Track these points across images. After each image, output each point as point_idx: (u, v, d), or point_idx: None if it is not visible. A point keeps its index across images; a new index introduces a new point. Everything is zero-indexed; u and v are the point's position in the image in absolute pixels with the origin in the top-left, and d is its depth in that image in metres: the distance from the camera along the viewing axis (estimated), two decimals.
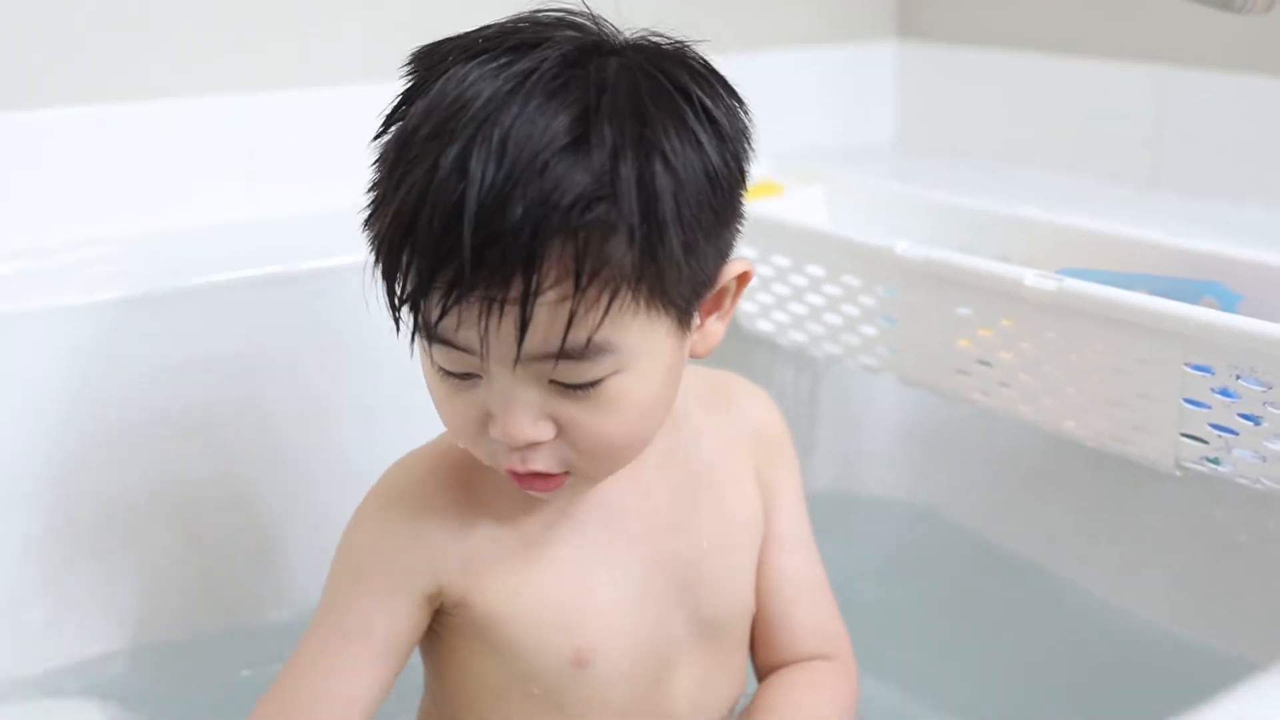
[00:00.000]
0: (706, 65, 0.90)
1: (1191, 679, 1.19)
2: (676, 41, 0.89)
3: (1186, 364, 1.17)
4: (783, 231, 1.48)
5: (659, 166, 0.82)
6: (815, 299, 1.47)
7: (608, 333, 0.84)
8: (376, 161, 0.88)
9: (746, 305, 1.55)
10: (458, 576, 0.95)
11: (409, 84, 0.88)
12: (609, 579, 0.98)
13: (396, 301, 0.84)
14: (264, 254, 1.43)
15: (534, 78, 0.81)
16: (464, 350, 0.84)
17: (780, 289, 1.51)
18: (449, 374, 0.87)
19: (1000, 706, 1.38)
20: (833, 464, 1.73)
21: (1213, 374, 1.16)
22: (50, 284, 1.33)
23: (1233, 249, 1.29)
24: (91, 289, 1.32)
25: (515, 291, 0.80)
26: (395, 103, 0.88)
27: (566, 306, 0.81)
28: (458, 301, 0.81)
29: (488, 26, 0.88)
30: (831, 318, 1.46)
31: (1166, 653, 1.39)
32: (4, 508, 1.27)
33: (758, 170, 1.67)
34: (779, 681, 1.07)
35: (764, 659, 1.10)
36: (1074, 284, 1.23)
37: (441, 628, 0.98)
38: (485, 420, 0.88)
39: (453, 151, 0.80)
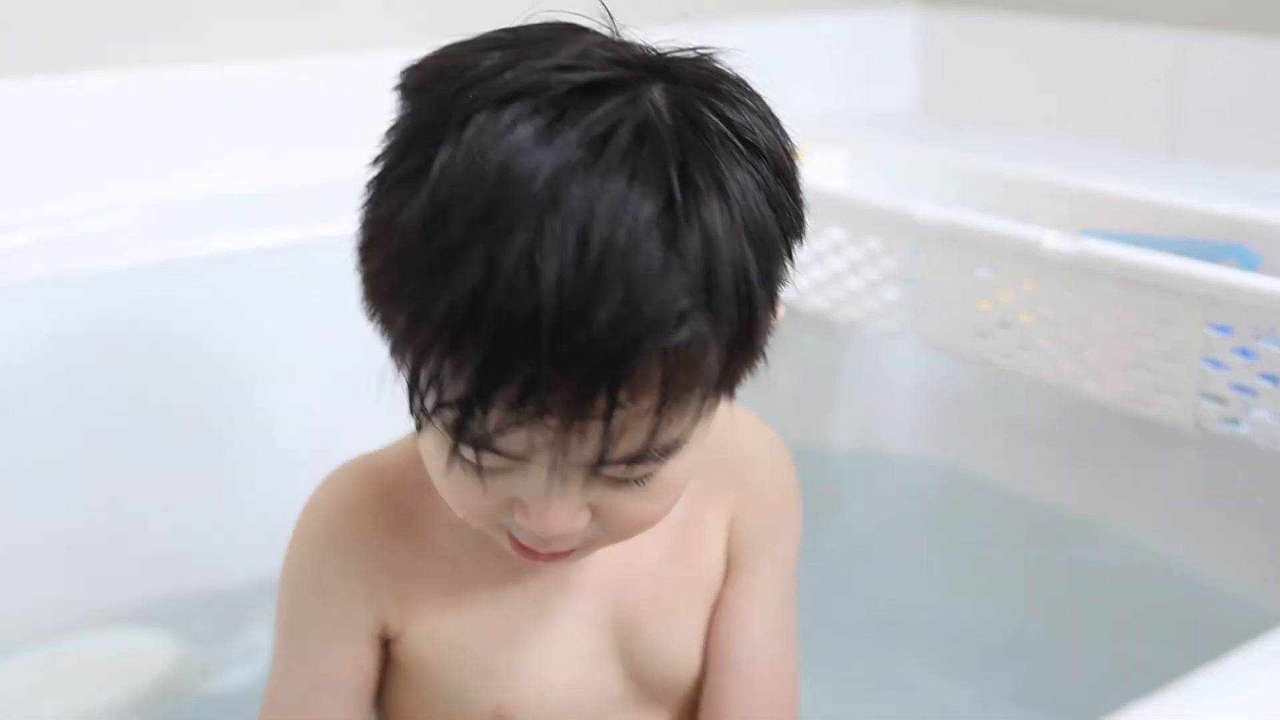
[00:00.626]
0: (758, 99, 0.79)
1: (1219, 628, 1.20)
2: (721, 67, 0.78)
3: (1208, 324, 1.17)
4: (804, 195, 1.48)
5: (753, 263, 0.71)
6: (836, 263, 1.47)
7: (678, 434, 0.74)
8: (374, 211, 0.75)
9: None
10: (395, 613, 0.90)
11: (408, 118, 0.74)
12: (540, 634, 0.90)
13: (430, 403, 0.71)
14: (282, 221, 1.44)
15: (604, 148, 0.67)
16: (513, 458, 0.73)
17: (800, 254, 1.51)
18: (474, 466, 0.75)
19: (1025, 657, 1.39)
20: (854, 428, 1.74)
21: (1233, 334, 1.16)
22: (71, 250, 1.34)
23: (1254, 211, 1.29)
24: (112, 255, 1.33)
25: (595, 409, 0.69)
26: (393, 140, 0.74)
27: (647, 420, 0.70)
28: (519, 422, 0.69)
29: (496, 40, 0.74)
30: (853, 281, 1.47)
31: (1191, 604, 1.40)
32: (36, 469, 1.29)
33: None
34: (727, 688, 0.96)
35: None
36: (1095, 245, 1.24)
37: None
38: (509, 506, 0.78)
39: (517, 245, 0.65)
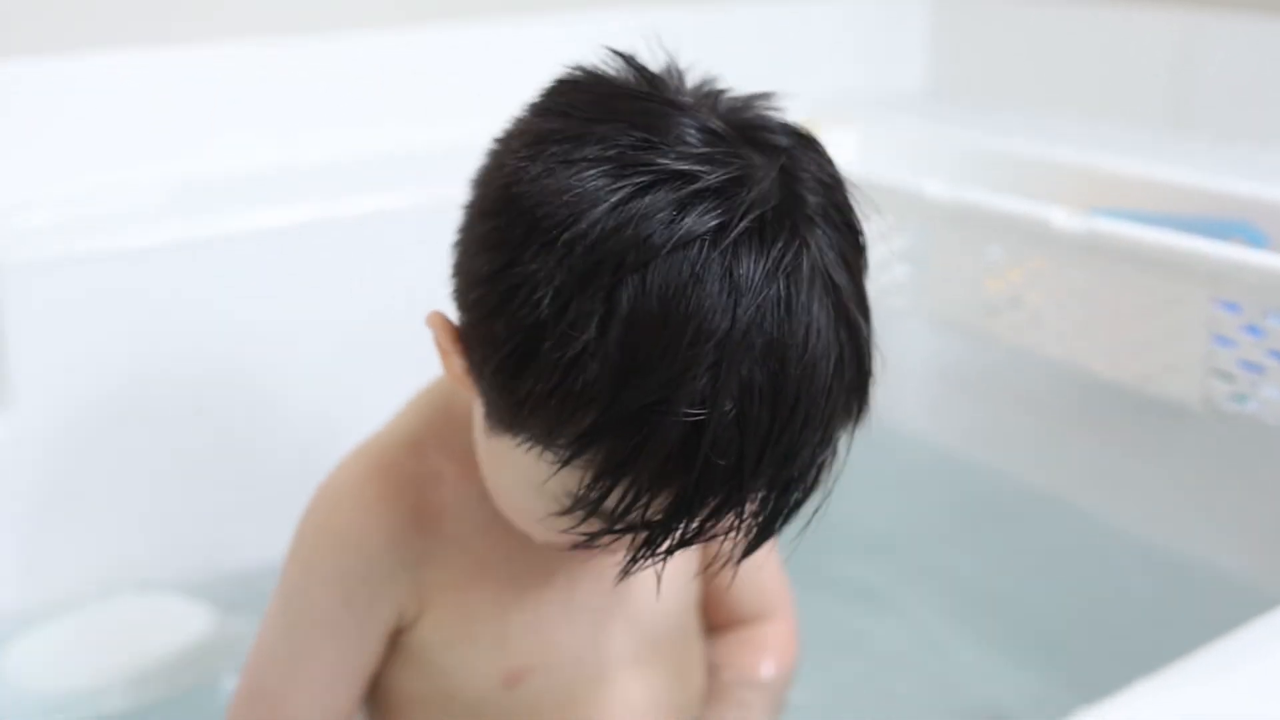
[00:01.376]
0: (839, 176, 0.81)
1: (1228, 607, 1.21)
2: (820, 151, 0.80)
3: (1215, 302, 1.17)
4: None
5: (870, 365, 0.78)
6: None
7: None
8: (521, 336, 0.73)
9: None
10: (412, 604, 0.92)
11: (557, 249, 0.71)
12: (548, 597, 0.93)
13: (623, 520, 0.75)
14: (292, 200, 1.44)
15: (788, 298, 0.71)
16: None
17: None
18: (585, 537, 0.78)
19: (1032, 635, 1.40)
20: None
21: (1241, 312, 1.16)
22: (82, 230, 1.34)
23: (1261, 189, 1.29)
24: (123, 235, 1.34)
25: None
26: (535, 257, 0.72)
27: None
28: (699, 535, 0.76)
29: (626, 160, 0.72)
30: None
31: (1198, 582, 1.40)
32: (56, 446, 1.30)
33: (789, 113, 1.69)
34: (721, 641, 1.08)
35: (708, 621, 1.09)
36: (1103, 223, 1.24)
37: None
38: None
39: (722, 402, 0.70)
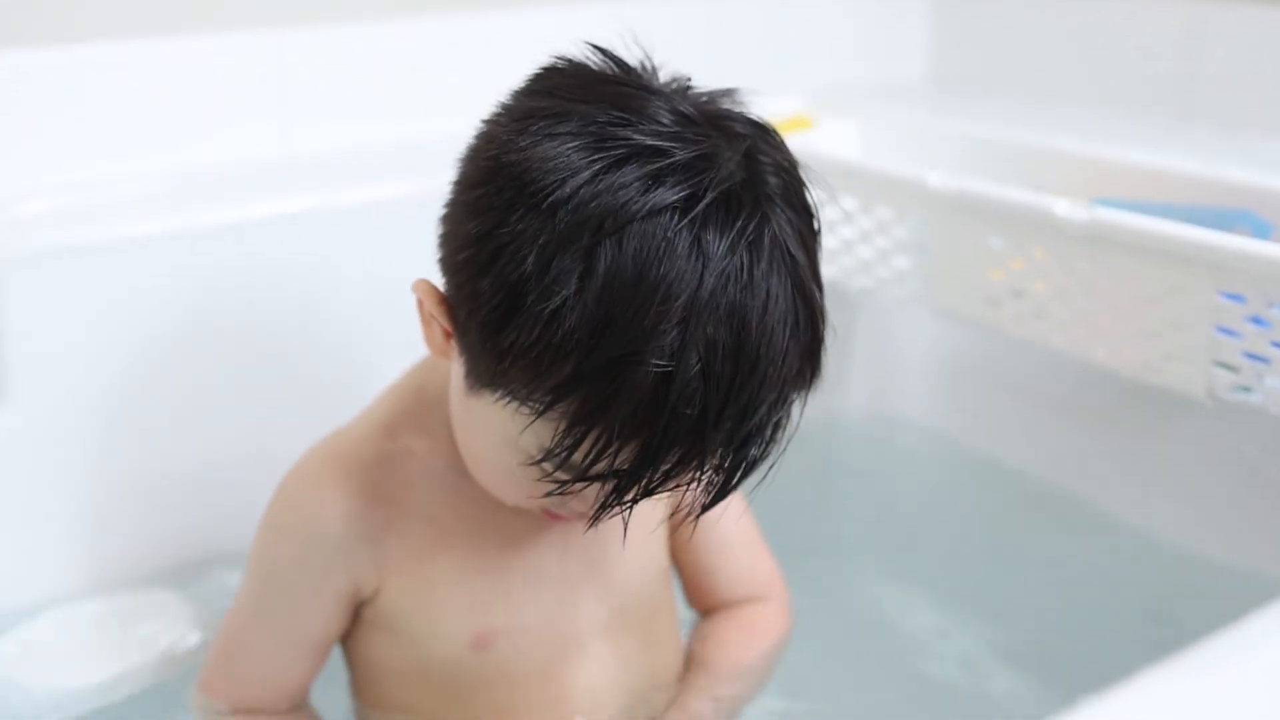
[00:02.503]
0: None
1: (1231, 597, 1.20)
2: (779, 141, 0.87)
3: (1219, 292, 1.17)
4: (814, 164, 1.47)
5: (824, 329, 0.86)
6: (847, 232, 1.47)
7: None
8: (504, 284, 0.80)
9: None
10: (371, 575, 0.98)
11: (537, 217, 0.79)
12: (515, 564, 0.99)
13: (591, 468, 0.82)
14: (296, 189, 1.44)
15: (751, 261, 0.79)
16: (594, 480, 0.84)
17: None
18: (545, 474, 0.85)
19: (1035, 624, 1.40)
20: (865, 397, 1.74)
21: (1245, 302, 1.16)
22: (86, 219, 1.34)
23: (1265, 178, 1.29)
24: (129, 225, 1.34)
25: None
26: (522, 229, 0.80)
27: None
28: (664, 482, 0.82)
29: (601, 134, 0.80)
30: (864, 250, 1.47)
31: (1201, 573, 1.40)
32: (58, 434, 1.30)
33: (790, 105, 1.68)
34: (713, 622, 1.13)
35: (699, 604, 1.14)
36: (1106, 213, 1.23)
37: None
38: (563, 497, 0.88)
39: (689, 357, 0.77)
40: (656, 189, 0.77)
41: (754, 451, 0.82)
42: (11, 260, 1.27)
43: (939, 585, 1.47)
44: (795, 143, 1.51)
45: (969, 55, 2.00)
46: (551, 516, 0.94)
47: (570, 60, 0.87)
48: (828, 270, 1.49)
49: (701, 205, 0.78)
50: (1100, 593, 1.41)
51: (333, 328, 1.42)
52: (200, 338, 1.36)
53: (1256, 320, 1.15)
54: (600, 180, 0.78)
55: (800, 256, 0.82)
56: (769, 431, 0.82)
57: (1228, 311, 1.17)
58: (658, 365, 0.77)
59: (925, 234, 1.39)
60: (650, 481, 0.82)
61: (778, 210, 0.81)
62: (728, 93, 0.86)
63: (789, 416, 0.84)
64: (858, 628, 1.42)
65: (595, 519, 0.85)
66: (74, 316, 1.30)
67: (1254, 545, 1.36)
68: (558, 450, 0.81)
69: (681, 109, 0.82)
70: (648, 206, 0.77)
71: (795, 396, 0.84)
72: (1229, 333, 1.18)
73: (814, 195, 0.86)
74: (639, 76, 0.85)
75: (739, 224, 0.78)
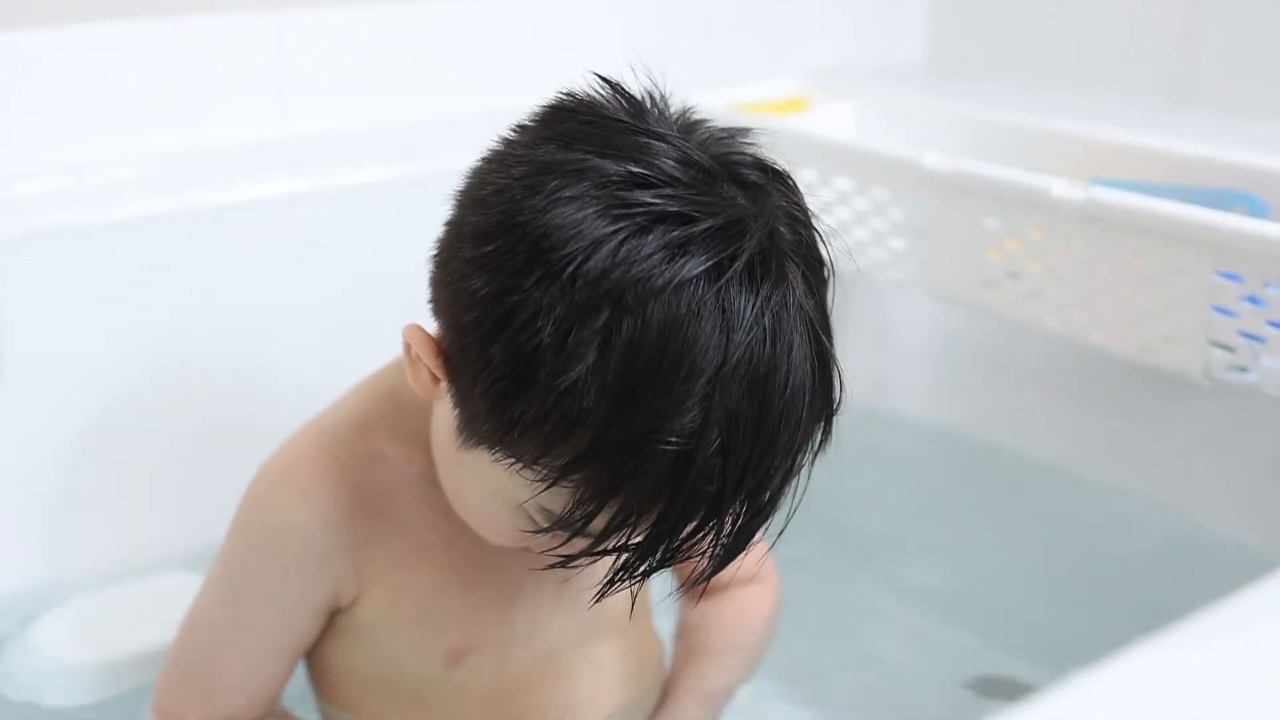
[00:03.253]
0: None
1: (1228, 575, 1.20)
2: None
3: (1216, 272, 1.17)
4: (810, 145, 1.47)
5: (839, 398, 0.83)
6: (843, 213, 1.47)
7: None
8: (512, 345, 0.76)
9: None
10: (350, 584, 0.95)
11: (556, 275, 0.74)
12: (491, 579, 0.96)
13: (612, 541, 0.79)
14: (286, 172, 1.44)
15: (775, 338, 0.75)
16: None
17: (807, 203, 1.50)
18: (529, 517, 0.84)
19: (1035, 604, 1.39)
20: (860, 380, 1.72)
21: (1242, 282, 1.16)
22: (76, 201, 1.34)
23: (1262, 159, 1.29)
24: (117, 207, 1.33)
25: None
26: (527, 276, 0.75)
27: None
28: (674, 557, 0.80)
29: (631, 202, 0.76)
30: (860, 231, 1.46)
31: (1199, 552, 1.40)
32: (54, 415, 1.30)
33: (786, 86, 1.68)
34: (707, 605, 1.10)
35: (691, 590, 1.09)
36: (1103, 193, 1.23)
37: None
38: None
39: (710, 435, 0.74)
40: (681, 259, 0.74)
41: (761, 520, 0.80)
42: (8, 241, 1.26)
43: (936, 568, 1.47)
44: (791, 125, 1.52)
45: (966, 36, 1.99)
46: (524, 550, 0.90)
47: (578, 100, 0.82)
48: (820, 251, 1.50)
49: (726, 275, 0.74)
50: (1100, 575, 1.41)
51: (330, 308, 1.42)
52: (198, 317, 1.36)
53: (1253, 300, 1.15)
54: (622, 249, 0.74)
55: (815, 314, 0.79)
56: (780, 496, 0.80)
57: (1224, 291, 1.17)
58: (679, 443, 0.74)
59: (921, 216, 1.39)
60: (664, 554, 0.79)
61: (797, 270, 0.78)
62: (741, 131, 0.83)
63: (797, 476, 0.82)
64: (854, 613, 1.41)
65: (603, 594, 0.83)
66: (70, 297, 1.30)
67: (1253, 521, 1.37)
68: (570, 520, 0.78)
69: (697, 158, 0.77)
70: (673, 279, 0.73)
71: (806, 459, 0.81)
72: (1225, 312, 1.17)
73: (824, 242, 0.83)
74: (650, 117, 0.80)
75: (762, 292, 0.75)
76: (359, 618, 0.96)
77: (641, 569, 0.80)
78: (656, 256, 0.73)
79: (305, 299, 1.41)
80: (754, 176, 0.79)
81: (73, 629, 1.23)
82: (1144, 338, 1.24)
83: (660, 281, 0.73)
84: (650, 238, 0.73)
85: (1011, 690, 1.27)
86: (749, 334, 0.74)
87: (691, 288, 0.73)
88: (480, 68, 1.64)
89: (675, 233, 0.74)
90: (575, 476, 0.77)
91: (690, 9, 1.75)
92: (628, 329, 0.73)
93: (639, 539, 0.78)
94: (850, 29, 1.95)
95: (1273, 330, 1.15)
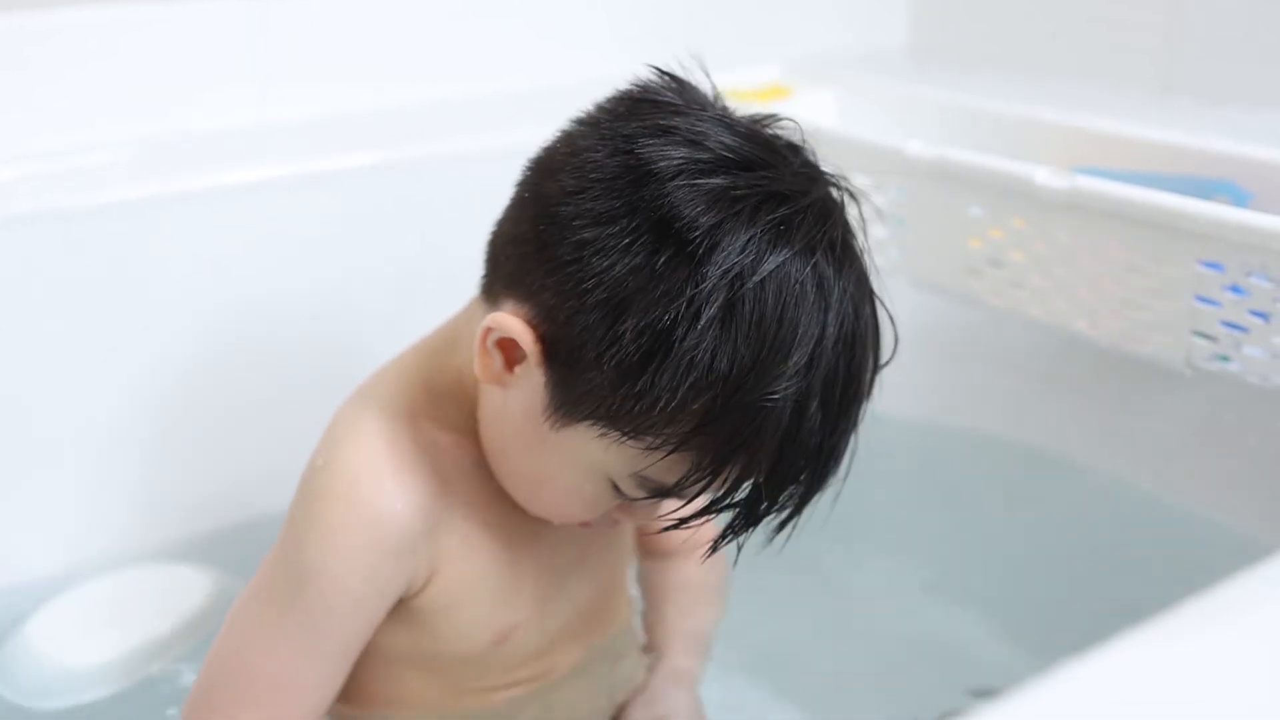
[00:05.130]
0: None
1: (1211, 564, 1.20)
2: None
3: (1199, 261, 1.17)
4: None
5: None
6: None
7: None
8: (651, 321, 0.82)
9: None
10: (425, 571, 0.94)
11: (632, 213, 0.83)
12: (535, 560, 0.99)
13: (714, 497, 0.88)
14: (267, 157, 1.43)
15: (856, 319, 0.85)
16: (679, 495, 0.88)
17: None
18: (625, 495, 0.90)
19: (1019, 593, 1.40)
20: None
21: (1224, 271, 1.16)
22: (55, 186, 1.34)
23: (1245, 148, 1.29)
24: (96, 192, 1.33)
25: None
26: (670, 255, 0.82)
27: None
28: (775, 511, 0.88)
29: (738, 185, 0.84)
30: None
31: (1182, 541, 1.40)
32: (30, 401, 1.30)
33: (766, 73, 1.68)
34: (674, 566, 1.17)
35: (648, 550, 1.17)
36: (1087, 182, 1.23)
37: None
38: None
39: (814, 403, 0.83)
40: (786, 237, 0.82)
41: (835, 472, 0.89)
42: None
43: (923, 554, 1.47)
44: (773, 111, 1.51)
45: (948, 24, 1.99)
46: (584, 525, 0.96)
47: (653, 89, 0.89)
48: None
49: (820, 251, 0.83)
50: (1083, 563, 1.41)
51: (312, 295, 1.41)
52: (176, 303, 1.35)
53: (1235, 289, 1.15)
54: (746, 227, 0.82)
55: (871, 278, 0.90)
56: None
57: (1208, 280, 1.17)
58: (790, 401, 0.82)
59: (904, 204, 1.39)
60: (767, 507, 0.87)
61: (855, 240, 0.89)
62: (770, 118, 0.91)
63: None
64: (844, 603, 1.41)
65: (715, 549, 0.93)
66: (48, 282, 1.29)
67: (1236, 508, 1.37)
68: (685, 486, 0.85)
69: (769, 140, 0.88)
70: (783, 254, 0.82)
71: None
72: (1208, 302, 1.17)
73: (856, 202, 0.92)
74: (712, 105, 0.89)
75: (845, 266, 0.85)
76: (421, 603, 0.95)
77: (749, 524, 0.88)
78: (769, 234, 0.82)
79: (286, 285, 1.40)
80: (802, 157, 0.89)
81: (68, 626, 1.23)
82: (1127, 326, 1.24)
83: (773, 257, 0.81)
84: (760, 214, 0.82)
85: None
86: (841, 304, 0.83)
87: (798, 263, 0.82)
88: (464, 53, 1.64)
89: (780, 212, 0.83)
90: (697, 441, 0.83)
91: None
92: (749, 303, 0.81)
93: (746, 496, 0.86)
94: (832, 16, 1.95)
95: (1255, 319, 1.15)
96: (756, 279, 0.81)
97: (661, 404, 0.82)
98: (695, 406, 0.82)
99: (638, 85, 0.89)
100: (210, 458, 1.39)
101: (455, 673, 0.99)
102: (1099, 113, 1.48)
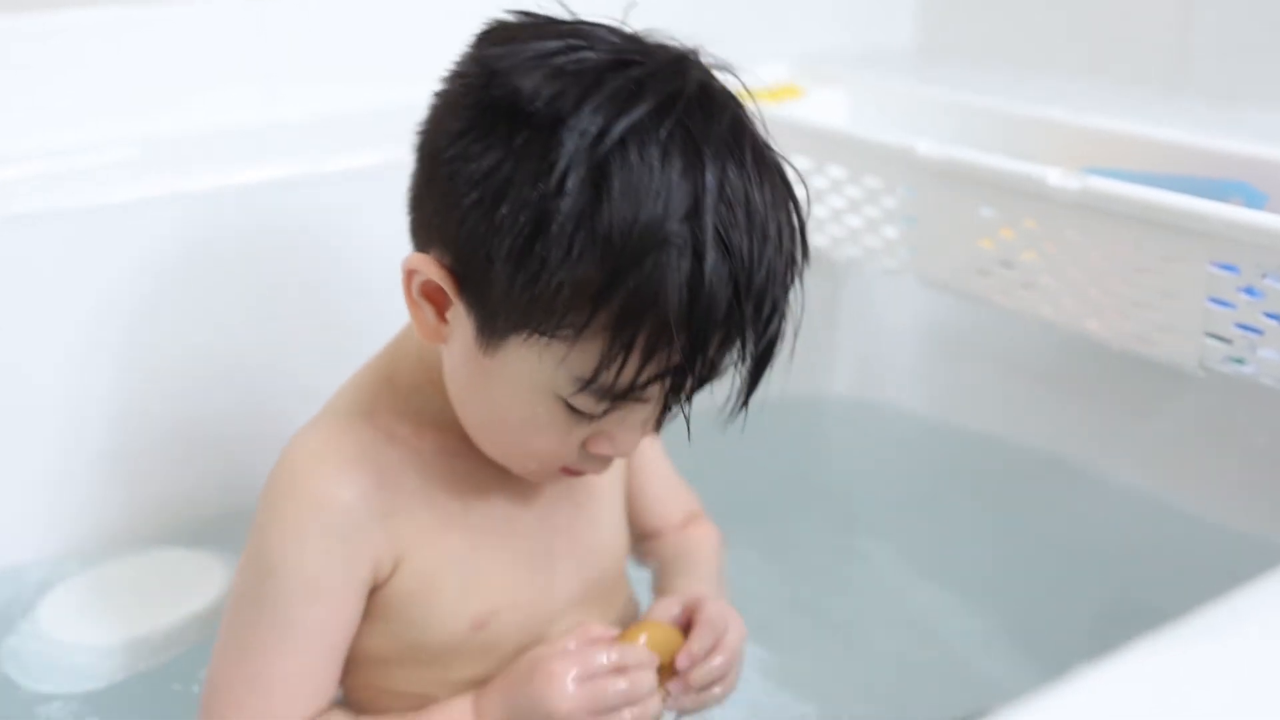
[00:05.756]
0: None
1: (1224, 568, 1.20)
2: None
3: (1212, 263, 1.16)
4: (802, 132, 1.46)
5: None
6: (836, 201, 1.46)
7: None
8: (519, 229, 0.83)
9: None
10: (388, 556, 0.95)
11: (549, 122, 0.83)
12: (506, 544, 0.99)
13: (634, 377, 0.84)
14: (273, 156, 1.43)
15: (742, 164, 0.84)
16: (645, 402, 0.87)
17: (799, 192, 1.49)
18: (583, 413, 0.88)
19: (1028, 598, 1.39)
20: (852, 369, 1.73)
21: (1238, 273, 1.15)
22: (62, 185, 1.33)
23: (1259, 148, 1.28)
24: (111, 190, 1.33)
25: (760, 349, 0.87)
26: (504, 148, 0.84)
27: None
28: (716, 376, 0.87)
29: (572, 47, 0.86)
30: (852, 220, 1.45)
31: (1195, 545, 1.40)
32: (39, 398, 1.30)
33: (778, 73, 1.67)
34: (678, 539, 1.17)
35: (644, 531, 1.17)
36: (1099, 182, 1.22)
37: None
38: (586, 441, 0.91)
39: (711, 229, 0.82)
40: (640, 95, 0.82)
41: (774, 328, 0.87)
42: None
43: (930, 559, 1.46)
44: (784, 111, 1.50)
45: (958, 23, 1.98)
46: (570, 473, 0.95)
47: (503, 21, 0.92)
48: (817, 240, 1.49)
49: (682, 103, 0.83)
50: (1095, 567, 1.41)
51: (318, 294, 1.41)
52: (183, 302, 1.35)
53: (1249, 291, 1.14)
54: (588, 94, 0.82)
55: (766, 140, 0.89)
56: (783, 308, 0.87)
57: (1221, 282, 1.16)
58: (686, 247, 0.81)
59: (914, 204, 1.38)
60: (701, 371, 0.85)
61: (731, 97, 0.88)
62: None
63: (788, 302, 0.89)
64: (847, 604, 1.41)
65: (660, 423, 0.90)
66: (54, 281, 1.29)
67: (1249, 515, 1.36)
68: (610, 362, 0.83)
69: (626, 34, 0.88)
70: (639, 112, 0.82)
71: (795, 277, 0.88)
72: (1222, 303, 1.16)
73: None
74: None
75: (717, 115, 0.85)
76: (394, 591, 0.96)
77: (686, 390, 0.86)
78: (620, 97, 0.82)
79: (293, 284, 1.40)
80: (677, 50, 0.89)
81: (79, 610, 1.24)
82: (1139, 328, 1.23)
83: (629, 119, 0.81)
84: (606, 80, 0.83)
85: None
86: (718, 147, 0.83)
87: (656, 119, 0.82)
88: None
89: (630, 74, 0.83)
90: (604, 313, 0.82)
91: None
92: (614, 160, 0.81)
93: (677, 359, 0.83)
94: (842, 14, 1.94)
95: (1270, 322, 1.14)
96: (615, 135, 0.81)
97: (558, 282, 0.82)
98: (590, 274, 0.81)
99: (489, 21, 0.92)
100: (225, 446, 1.39)
101: (443, 664, 0.98)
102: (1110, 111, 1.47)
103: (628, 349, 0.83)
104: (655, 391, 0.86)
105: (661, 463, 1.18)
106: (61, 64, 1.41)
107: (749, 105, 0.90)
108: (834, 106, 1.61)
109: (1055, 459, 1.54)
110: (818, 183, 1.46)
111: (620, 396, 0.86)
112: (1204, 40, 1.69)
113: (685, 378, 0.85)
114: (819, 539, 1.51)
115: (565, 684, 0.92)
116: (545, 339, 0.84)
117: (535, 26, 0.89)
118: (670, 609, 1.01)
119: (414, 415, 0.97)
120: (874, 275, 1.57)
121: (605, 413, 0.88)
